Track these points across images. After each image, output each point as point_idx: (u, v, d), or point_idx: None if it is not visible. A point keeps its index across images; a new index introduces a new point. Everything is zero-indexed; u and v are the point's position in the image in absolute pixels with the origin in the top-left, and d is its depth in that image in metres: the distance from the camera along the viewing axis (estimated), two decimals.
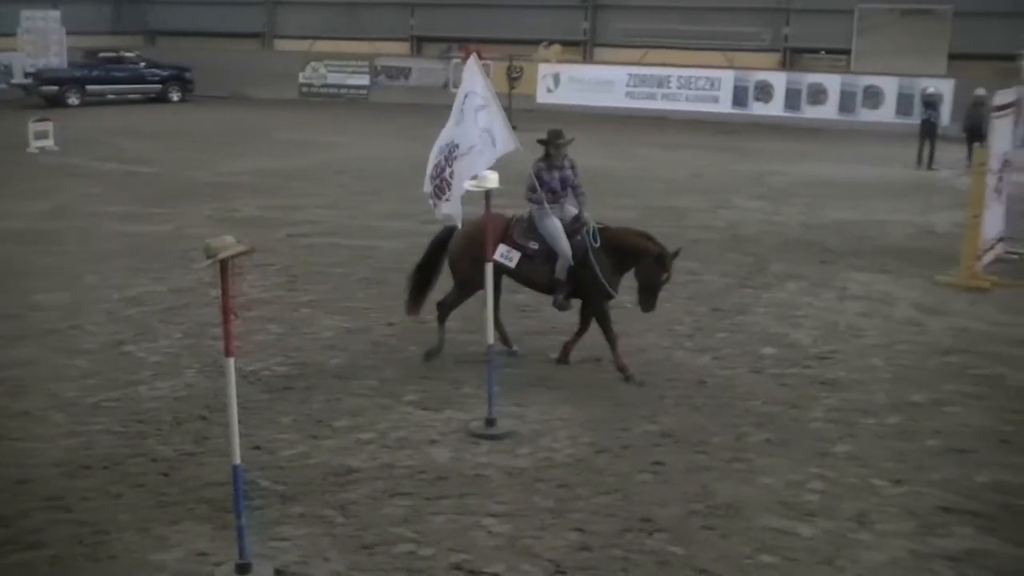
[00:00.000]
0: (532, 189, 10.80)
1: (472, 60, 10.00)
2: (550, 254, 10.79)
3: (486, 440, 9.31)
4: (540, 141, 10.96)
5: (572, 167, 11.00)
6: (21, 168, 24.15)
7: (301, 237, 17.14)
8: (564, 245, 10.71)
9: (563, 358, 11.18)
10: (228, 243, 7.03)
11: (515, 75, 34.48)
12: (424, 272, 11.46)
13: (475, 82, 9.76)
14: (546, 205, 10.74)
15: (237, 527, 7.16)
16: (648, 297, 10.76)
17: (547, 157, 10.91)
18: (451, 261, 11.20)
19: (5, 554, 7.49)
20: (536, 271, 10.91)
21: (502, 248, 10.78)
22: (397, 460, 8.95)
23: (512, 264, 10.86)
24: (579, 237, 10.69)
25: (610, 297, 10.84)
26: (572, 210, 10.94)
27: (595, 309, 10.91)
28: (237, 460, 7.20)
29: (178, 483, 8.54)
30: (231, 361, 7.17)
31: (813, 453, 9.03)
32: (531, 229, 10.88)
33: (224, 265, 6.93)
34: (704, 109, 35.36)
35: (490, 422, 9.50)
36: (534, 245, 10.81)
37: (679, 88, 35.92)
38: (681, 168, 25.05)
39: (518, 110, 29.71)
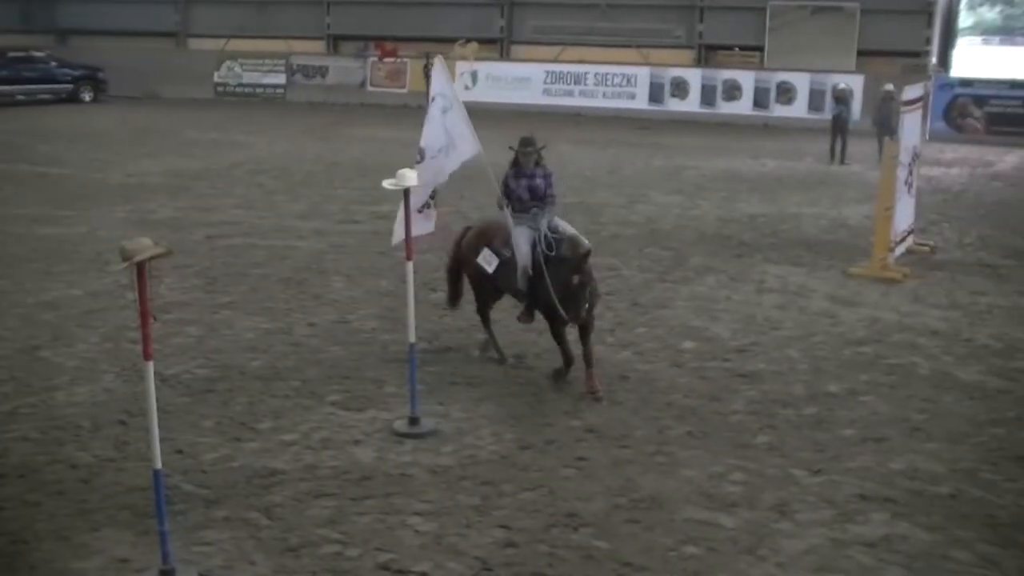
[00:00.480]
0: (501, 196, 10.66)
1: (439, 62, 10.39)
2: (513, 261, 10.59)
3: (410, 439, 9.31)
4: (511, 148, 10.73)
5: (545, 176, 10.63)
6: None
7: (218, 238, 16.97)
8: (521, 254, 10.43)
9: (593, 393, 10.25)
10: (144, 245, 6.94)
11: (431, 73, 34.49)
12: (452, 272, 11.54)
13: (441, 84, 10.06)
14: (507, 212, 10.53)
15: (160, 532, 7.08)
16: (568, 304, 10.07)
17: (516, 164, 10.66)
18: (461, 258, 11.25)
19: None
20: (507, 279, 10.68)
21: (485, 252, 10.68)
22: (321, 461, 8.91)
23: (490, 269, 10.67)
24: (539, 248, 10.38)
25: (562, 321, 10.28)
26: (558, 221, 10.65)
27: (549, 328, 10.57)
28: (158, 465, 7.12)
29: (98, 489, 8.42)
30: (150, 365, 7.09)
31: (734, 445, 9.17)
32: (508, 236, 10.70)
33: (141, 268, 6.84)
34: (621, 105, 35.64)
35: (413, 421, 9.50)
36: (507, 252, 10.57)
37: (596, 85, 36.17)
38: (597, 164, 25.22)
39: None
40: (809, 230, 18.11)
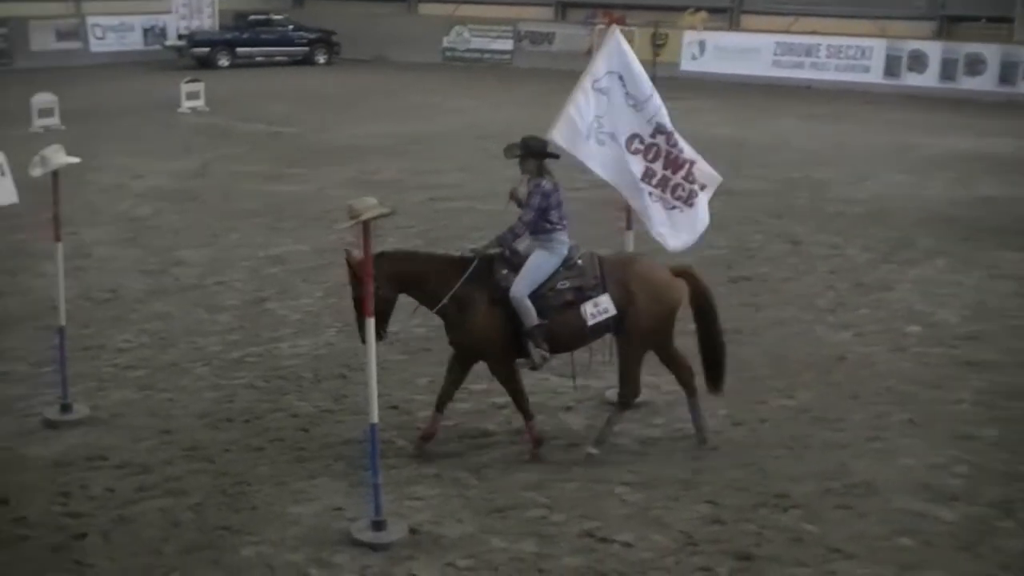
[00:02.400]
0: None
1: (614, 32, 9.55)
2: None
3: None
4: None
5: (529, 192, 8.52)
6: (172, 128, 24.80)
7: (439, 201, 17.26)
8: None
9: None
10: (370, 204, 7.13)
11: (659, 42, 34.08)
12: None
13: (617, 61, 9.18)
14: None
15: (373, 484, 7.28)
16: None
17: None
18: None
19: (148, 499, 7.76)
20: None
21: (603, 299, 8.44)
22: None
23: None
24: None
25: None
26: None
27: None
28: (375, 419, 7.31)
29: (316, 439, 8.73)
30: (371, 321, 7.28)
31: (956, 436, 8.77)
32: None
33: (366, 226, 7.03)
34: (853, 79, 34.41)
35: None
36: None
37: (828, 57, 35.02)
38: (824, 139, 24.48)
39: (662, 78, 29.37)
40: None
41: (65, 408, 9.19)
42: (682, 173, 9.14)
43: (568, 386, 9.66)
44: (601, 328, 8.34)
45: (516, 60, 40.96)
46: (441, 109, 28.62)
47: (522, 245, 8.45)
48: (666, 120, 9.13)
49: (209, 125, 25.09)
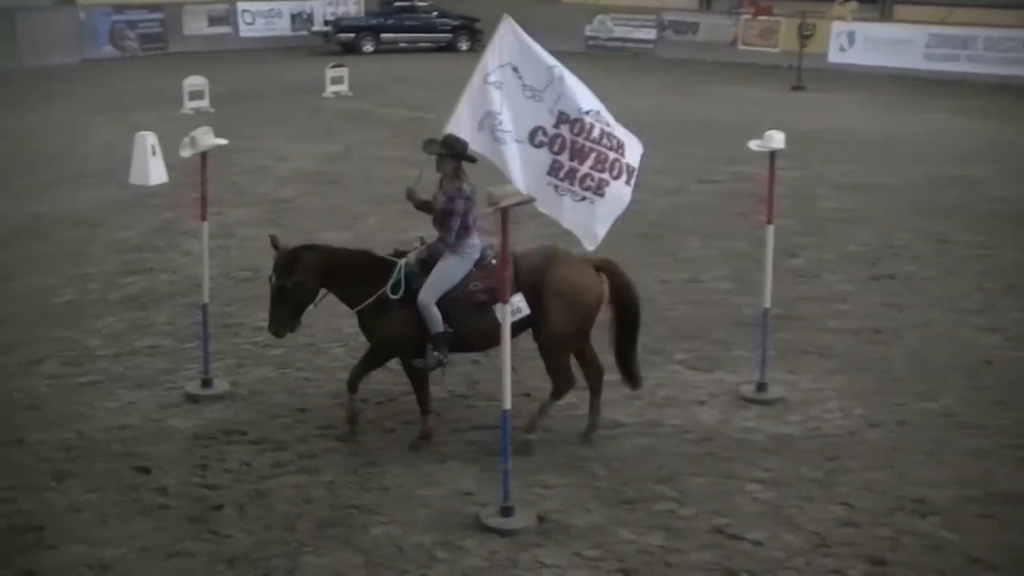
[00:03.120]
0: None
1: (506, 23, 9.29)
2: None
3: (755, 404, 9.15)
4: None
5: (451, 198, 8.25)
6: (316, 112, 25.23)
7: None
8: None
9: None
10: (509, 192, 7.15)
11: (807, 33, 33.34)
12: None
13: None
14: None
15: (502, 471, 7.29)
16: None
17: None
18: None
19: (282, 475, 7.92)
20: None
21: (516, 297, 8.12)
22: (663, 418, 8.91)
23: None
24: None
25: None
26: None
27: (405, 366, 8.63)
28: (507, 406, 7.32)
29: (448, 423, 8.79)
30: (507, 308, 7.29)
31: None
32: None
33: (504, 214, 7.03)
34: (1013, 72, 33.08)
35: (761, 387, 9.32)
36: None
37: (986, 50, 33.84)
38: (977, 135, 23.69)
39: (808, 69, 28.88)
40: None
41: (206, 383, 9.43)
42: (589, 163, 8.82)
43: (702, 380, 9.57)
44: (517, 327, 8.03)
45: (659, 50, 40.56)
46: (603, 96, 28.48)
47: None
48: (571, 105, 8.78)
49: (352, 110, 25.46)
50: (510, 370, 7.33)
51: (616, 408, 9.02)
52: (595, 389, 8.63)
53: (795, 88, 28.67)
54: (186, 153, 9.12)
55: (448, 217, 8.17)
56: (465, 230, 8.23)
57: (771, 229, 9.37)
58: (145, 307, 11.58)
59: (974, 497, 7.61)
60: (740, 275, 12.38)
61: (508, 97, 8.75)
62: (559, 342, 8.34)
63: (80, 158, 18.74)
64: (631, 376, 8.68)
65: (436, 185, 8.44)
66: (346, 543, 7.03)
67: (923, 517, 7.35)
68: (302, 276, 8.16)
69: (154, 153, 15.90)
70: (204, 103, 24.10)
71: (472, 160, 8.45)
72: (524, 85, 8.75)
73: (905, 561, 6.82)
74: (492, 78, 8.74)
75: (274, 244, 8.38)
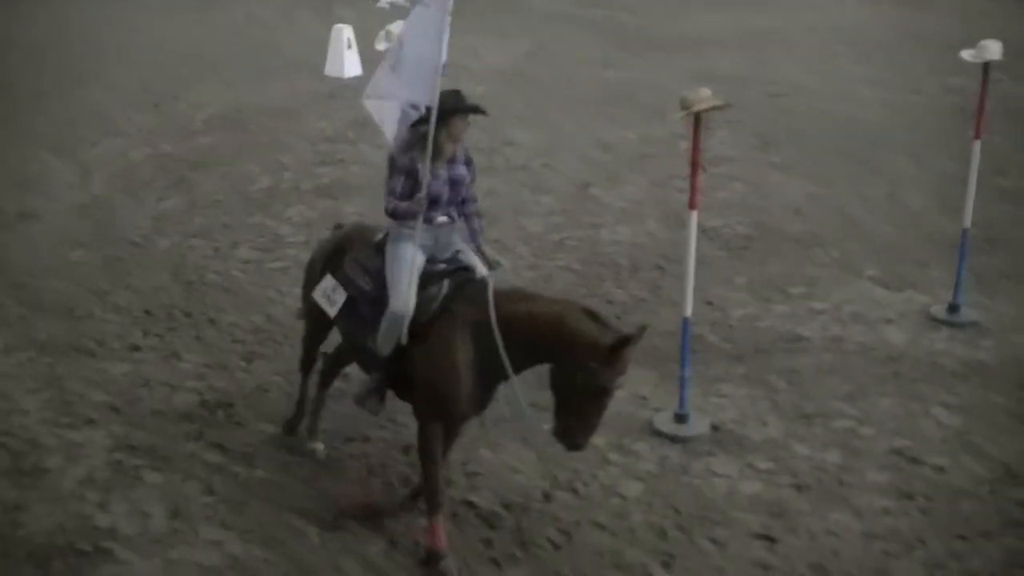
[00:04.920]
0: (395, 191, 6.14)
1: None
2: (377, 302, 6.18)
3: (947, 327, 8.83)
4: (415, 109, 6.23)
5: (468, 163, 6.34)
6: (515, 9, 25.11)
7: (777, 97, 16.73)
8: (402, 291, 6.04)
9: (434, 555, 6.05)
10: (704, 96, 6.98)
11: None
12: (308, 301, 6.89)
13: None
14: (419, 220, 6.09)
15: (680, 378, 7.26)
16: (583, 424, 5.76)
17: (435, 142, 6.05)
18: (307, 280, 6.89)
19: None
20: (355, 328, 6.36)
21: (327, 282, 6.46)
22: (849, 335, 8.68)
23: (332, 310, 6.41)
24: (442, 290, 6.08)
25: (454, 418, 6.11)
26: (457, 241, 6.41)
27: (420, 428, 6.07)
28: (688, 312, 7.26)
29: (630, 327, 8.74)
30: (694, 214, 7.18)
31: None
32: (376, 255, 6.32)
33: (697, 118, 6.90)
34: None
35: (953, 308, 8.97)
36: (366, 283, 6.30)
37: None
38: None
39: None
40: None
41: None
42: None
43: (892, 298, 9.29)
44: None
45: None
46: (796, 3, 27.55)
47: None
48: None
49: (547, 7, 25.23)
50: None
51: (800, 322, 8.84)
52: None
53: None
54: (381, 46, 9.20)
55: (472, 180, 6.41)
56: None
57: (977, 145, 8.92)
58: (336, 197, 11.84)
59: None
60: (943, 193, 11.87)
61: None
62: None
63: (284, 50, 19.14)
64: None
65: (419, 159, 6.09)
66: (522, 441, 7.11)
67: None
68: None
69: (350, 46, 16.14)
70: None
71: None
72: None
73: None
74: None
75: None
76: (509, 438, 7.10)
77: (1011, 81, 14.59)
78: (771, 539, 6.15)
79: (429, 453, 5.95)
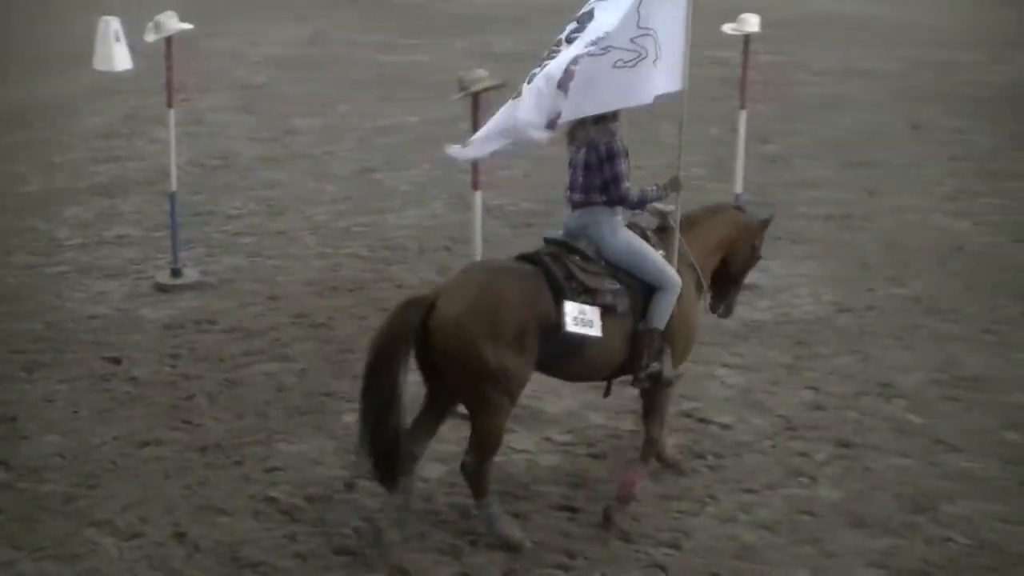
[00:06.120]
0: (627, 175, 6.13)
1: None
2: (635, 291, 6.05)
3: None
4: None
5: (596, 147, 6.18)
6: None
7: None
8: (666, 266, 6.15)
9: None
10: (480, 77, 7.04)
11: None
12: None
13: None
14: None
15: None
16: (733, 296, 6.87)
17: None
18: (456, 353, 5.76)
19: (255, 363, 7.93)
20: (609, 339, 5.95)
21: (571, 309, 5.84)
22: None
23: (596, 329, 5.89)
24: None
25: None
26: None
27: (663, 383, 6.21)
28: None
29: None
30: (478, 195, 7.25)
31: None
32: (592, 261, 6.07)
33: (475, 99, 6.94)
34: None
35: None
36: (614, 284, 6.01)
37: None
38: (958, 18, 23.48)
39: None
40: None
41: (176, 273, 9.39)
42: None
43: None
44: None
45: None
46: None
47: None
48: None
49: None
50: None
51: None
52: None
53: None
54: (151, 38, 8.94)
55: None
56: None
57: (743, 114, 9.30)
58: (113, 196, 11.48)
59: (940, 381, 7.70)
60: (713, 161, 12.33)
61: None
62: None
63: (55, 43, 18.39)
64: None
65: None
66: (318, 430, 7.07)
67: (889, 400, 7.43)
68: None
69: (118, 39, 15.60)
70: None
71: None
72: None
73: (870, 443, 6.91)
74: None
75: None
76: (308, 430, 7.05)
77: (769, 52, 15.24)
78: (573, 509, 6.26)
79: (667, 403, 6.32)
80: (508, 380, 5.74)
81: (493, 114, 6.37)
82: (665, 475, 6.57)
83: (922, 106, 15.25)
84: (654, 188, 6.26)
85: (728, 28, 9.03)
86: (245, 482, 6.48)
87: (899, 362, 7.98)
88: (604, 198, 6.10)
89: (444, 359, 5.75)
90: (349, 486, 6.50)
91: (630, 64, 6.03)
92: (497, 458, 6.71)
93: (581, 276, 5.91)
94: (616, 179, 6.06)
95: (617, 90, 6.08)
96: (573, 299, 5.84)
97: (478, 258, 7.30)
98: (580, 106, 5.97)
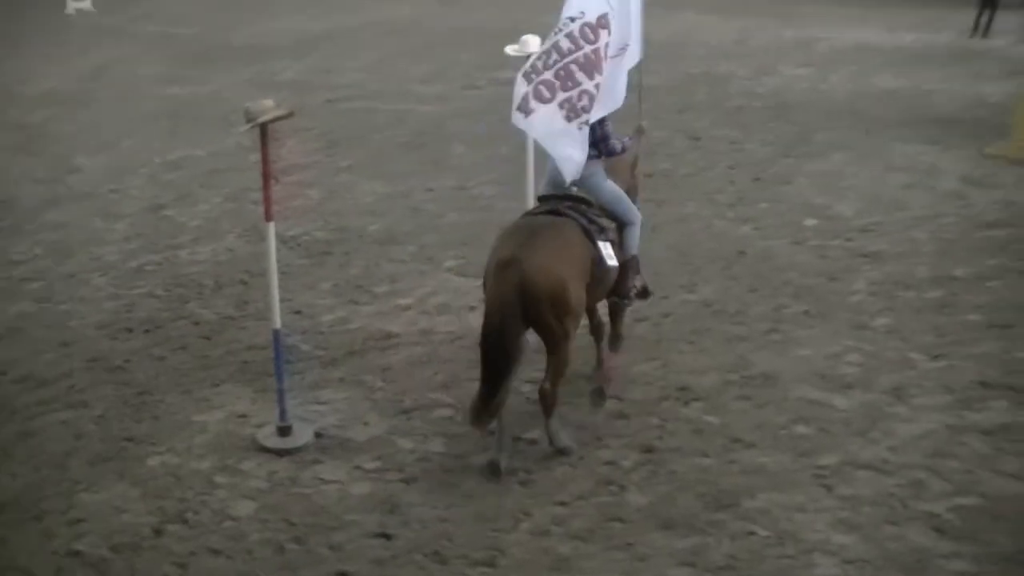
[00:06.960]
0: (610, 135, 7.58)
1: None
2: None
3: None
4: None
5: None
6: (59, 29, 24.00)
7: (340, 101, 17.01)
8: (633, 206, 7.80)
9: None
10: (267, 107, 6.98)
11: None
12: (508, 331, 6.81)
13: None
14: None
15: (278, 390, 7.26)
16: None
17: None
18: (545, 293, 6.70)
19: (50, 412, 7.66)
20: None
21: (606, 249, 7.24)
22: (436, 326, 9.00)
23: (614, 261, 7.35)
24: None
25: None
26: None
27: (626, 297, 7.99)
28: (278, 324, 7.26)
29: (219, 346, 8.65)
30: (271, 226, 7.19)
31: (852, 326, 8.98)
32: (590, 207, 7.45)
33: (264, 129, 6.90)
34: None
35: None
36: (610, 223, 7.47)
37: None
38: (724, 34, 24.52)
39: None
40: (944, 107, 17.37)
41: None
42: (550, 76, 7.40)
43: (472, 286, 9.69)
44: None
45: None
46: (343, 6, 27.98)
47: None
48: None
49: (98, 26, 24.33)
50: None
51: (389, 320, 9.07)
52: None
53: None
54: None
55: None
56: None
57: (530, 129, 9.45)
58: None
59: (732, 381, 8.02)
60: (505, 179, 12.53)
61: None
62: None
63: None
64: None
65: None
66: (121, 476, 6.88)
67: (687, 404, 7.70)
68: None
69: None
70: None
71: None
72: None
73: (672, 447, 7.15)
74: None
75: None
76: (111, 477, 6.85)
77: None
78: (387, 536, 6.28)
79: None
80: (581, 311, 7.07)
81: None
82: (478, 495, 6.65)
83: (698, 119, 15.88)
84: (627, 138, 7.70)
85: (511, 49, 9.19)
86: (47, 538, 6.25)
87: (694, 365, 8.27)
88: (595, 152, 7.31)
89: (538, 303, 6.64)
90: (157, 532, 6.36)
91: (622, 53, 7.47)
92: (307, 490, 6.70)
93: (598, 220, 7.24)
94: (606, 137, 7.41)
95: (622, 80, 7.53)
96: (599, 239, 7.15)
97: (275, 291, 7.23)
98: (605, 105, 7.27)
